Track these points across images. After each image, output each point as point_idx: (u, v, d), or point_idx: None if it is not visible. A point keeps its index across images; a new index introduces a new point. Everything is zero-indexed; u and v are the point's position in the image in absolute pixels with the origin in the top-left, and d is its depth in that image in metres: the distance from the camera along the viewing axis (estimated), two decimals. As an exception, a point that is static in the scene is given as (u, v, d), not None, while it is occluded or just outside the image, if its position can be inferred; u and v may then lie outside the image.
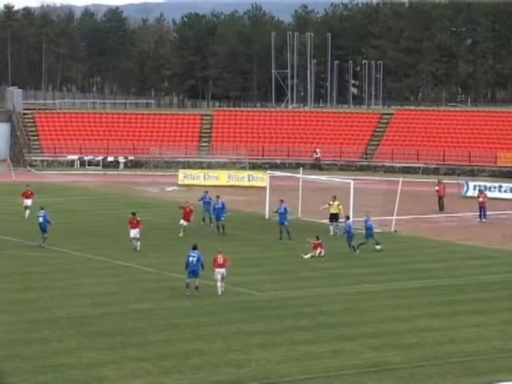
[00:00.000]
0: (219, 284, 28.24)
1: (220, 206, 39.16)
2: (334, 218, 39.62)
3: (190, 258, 28.11)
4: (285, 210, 38.74)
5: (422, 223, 45.02)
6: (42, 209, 36.80)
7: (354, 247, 35.66)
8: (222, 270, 28.23)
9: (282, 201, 39.32)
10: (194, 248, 28.35)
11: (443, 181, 51.90)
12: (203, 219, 40.62)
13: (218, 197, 39.86)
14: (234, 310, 26.88)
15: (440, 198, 48.99)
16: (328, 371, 21.34)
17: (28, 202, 42.71)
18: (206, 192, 41.96)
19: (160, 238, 38.84)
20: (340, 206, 39.61)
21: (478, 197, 46.84)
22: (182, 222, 38.32)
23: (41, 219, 36.04)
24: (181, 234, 38.00)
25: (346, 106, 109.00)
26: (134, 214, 35.29)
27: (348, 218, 36.59)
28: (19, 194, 44.62)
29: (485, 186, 54.78)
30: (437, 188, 49.32)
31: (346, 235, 35.84)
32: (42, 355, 22.03)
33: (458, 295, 29.45)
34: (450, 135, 71.88)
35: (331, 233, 39.24)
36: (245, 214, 46.30)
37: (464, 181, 57.72)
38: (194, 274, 28.03)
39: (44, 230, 35.97)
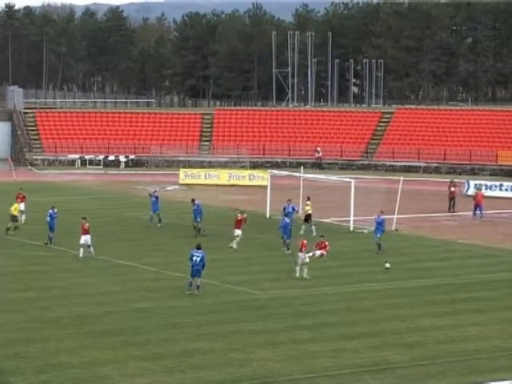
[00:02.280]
0: (297, 269, 30.18)
1: (195, 208, 38.93)
2: (308, 218, 39.64)
3: (194, 258, 28.11)
4: (293, 209, 38.83)
5: (422, 222, 45.00)
6: (53, 207, 36.78)
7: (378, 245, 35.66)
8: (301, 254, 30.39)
9: (289, 200, 39.40)
10: (198, 248, 28.33)
11: (455, 180, 51.87)
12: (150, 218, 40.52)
13: (193, 200, 39.61)
14: (235, 309, 26.87)
15: (452, 198, 48.76)
16: (329, 370, 21.36)
17: (21, 206, 40.98)
18: (155, 190, 42.19)
19: (160, 237, 38.85)
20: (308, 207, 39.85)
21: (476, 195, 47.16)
22: (237, 231, 36.17)
23: (48, 218, 36.06)
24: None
25: (347, 105, 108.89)
26: (84, 218, 33.94)
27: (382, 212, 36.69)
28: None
29: (485, 185, 54.81)
30: (453, 189, 48.94)
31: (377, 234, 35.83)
32: (43, 354, 22.05)
33: (458, 294, 29.43)
34: (451, 134, 71.86)
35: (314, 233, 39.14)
36: (246, 213, 46.15)
37: (465, 179, 57.68)
38: (196, 273, 28.03)
39: (50, 229, 35.96)
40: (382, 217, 36.49)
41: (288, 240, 35.31)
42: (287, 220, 36.30)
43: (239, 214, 36.59)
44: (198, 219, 38.61)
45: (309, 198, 40.49)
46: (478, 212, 46.49)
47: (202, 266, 28.01)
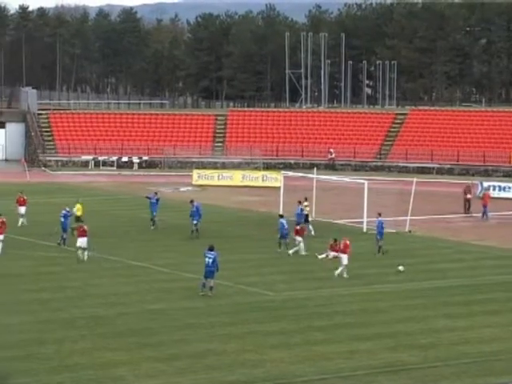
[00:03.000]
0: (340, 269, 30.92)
1: (194, 209, 38.71)
2: (306, 218, 39.78)
3: (206, 259, 28.07)
4: (301, 210, 38.81)
5: (436, 223, 44.82)
6: (66, 208, 36.77)
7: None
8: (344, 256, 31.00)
9: (300, 202, 39.47)
10: (211, 249, 28.27)
11: (473, 181, 51.66)
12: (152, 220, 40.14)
13: (192, 201, 39.43)
14: (249, 310, 26.80)
15: (467, 200, 48.54)
16: (343, 371, 21.31)
17: (22, 209, 40.55)
18: (156, 193, 41.70)
19: (174, 238, 38.83)
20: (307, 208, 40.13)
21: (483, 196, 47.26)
22: (299, 238, 35.44)
23: (62, 218, 36.00)
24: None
25: (360, 106, 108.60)
26: (81, 221, 33.39)
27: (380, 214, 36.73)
28: (33, 195, 44.60)
29: (499, 186, 54.54)
30: (469, 196, 48.46)
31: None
32: (56, 355, 22.02)
33: (473, 295, 29.31)
34: (465, 135, 71.57)
35: (312, 232, 39.15)
36: (259, 214, 46.25)
37: (478, 181, 57.40)
38: (209, 274, 27.99)
39: (62, 229, 35.93)
40: (381, 219, 36.33)
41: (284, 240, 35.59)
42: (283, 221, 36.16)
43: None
44: (195, 221, 38.24)
45: (306, 199, 40.58)
46: (487, 213, 46.30)
47: (214, 268, 27.95)
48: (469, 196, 48.72)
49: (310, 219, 39.83)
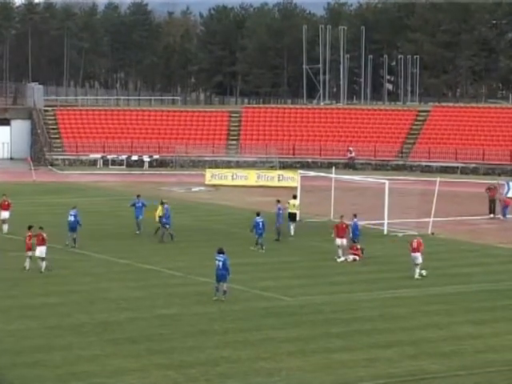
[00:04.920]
0: (417, 271, 31.17)
1: (165, 212, 37.44)
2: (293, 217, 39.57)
3: (217, 262, 27.74)
4: (279, 210, 38.14)
5: (460, 225, 44.19)
6: (74, 208, 36.27)
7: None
8: (417, 255, 31.18)
9: (279, 201, 38.88)
10: (220, 252, 27.83)
11: (499, 182, 50.94)
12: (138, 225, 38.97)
13: (162, 203, 38.00)
14: (264, 315, 26.38)
15: (491, 201, 47.68)
16: (362, 380, 20.95)
17: (5, 214, 38.36)
18: (138, 196, 39.89)
19: (186, 240, 38.22)
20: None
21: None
22: (338, 240, 33.93)
23: (72, 218, 35.44)
24: (341, 258, 34.01)
25: (381, 103, 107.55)
26: (41, 227, 31.25)
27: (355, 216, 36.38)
28: (39, 195, 43.94)
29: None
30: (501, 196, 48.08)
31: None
32: (64, 362, 21.69)
33: (498, 301, 28.79)
34: (490, 133, 70.53)
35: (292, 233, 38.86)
36: (274, 215, 45.36)
37: (505, 181, 56.35)
38: (221, 278, 27.59)
39: (73, 230, 35.37)
40: (356, 220, 35.73)
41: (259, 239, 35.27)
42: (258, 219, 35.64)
43: (342, 221, 34.63)
44: (166, 226, 36.89)
45: (295, 197, 40.59)
46: (507, 214, 45.68)
47: (226, 271, 27.52)
48: (496, 196, 47.91)
49: (297, 219, 39.44)
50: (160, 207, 37.82)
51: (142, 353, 22.44)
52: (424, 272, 31.87)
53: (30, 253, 31.35)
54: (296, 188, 44.04)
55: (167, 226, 37.12)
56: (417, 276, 31.28)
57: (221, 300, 27.48)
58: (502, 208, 46.56)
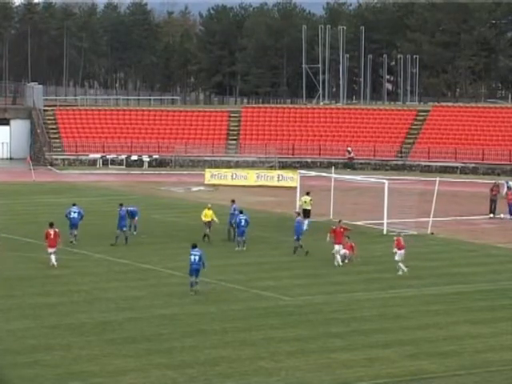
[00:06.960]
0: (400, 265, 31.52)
1: (122, 213, 36.52)
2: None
3: (192, 257, 28.12)
4: (234, 210, 37.76)
5: (460, 225, 44.09)
6: (74, 205, 36.15)
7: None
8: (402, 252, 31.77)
9: (233, 201, 38.63)
10: (194, 246, 28.41)
11: (498, 181, 50.86)
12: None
13: (121, 204, 37.23)
14: (263, 315, 26.35)
15: (493, 200, 47.60)
16: (362, 380, 20.95)
17: None
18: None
19: (186, 240, 37.97)
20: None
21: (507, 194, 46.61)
22: (337, 247, 33.05)
23: (75, 214, 35.42)
24: (340, 263, 33.20)
25: (380, 103, 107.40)
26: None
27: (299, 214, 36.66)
28: (39, 195, 43.82)
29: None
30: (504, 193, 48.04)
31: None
32: (63, 362, 21.67)
33: (497, 301, 28.75)
34: (490, 133, 70.47)
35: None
36: (274, 215, 45.55)
37: (504, 181, 56.29)
38: (196, 271, 28.03)
39: (75, 226, 35.33)
40: (299, 218, 35.76)
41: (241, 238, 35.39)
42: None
43: (340, 225, 33.87)
44: (124, 228, 36.19)
45: (308, 193, 41.15)
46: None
47: (200, 265, 28.02)
48: (497, 195, 47.81)
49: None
50: (206, 211, 37.13)
51: (141, 352, 22.42)
52: (401, 270, 31.99)
53: (52, 249, 31.37)
54: (300, 187, 43.90)
55: (124, 229, 36.20)
56: (400, 273, 31.60)
57: (194, 292, 27.74)
58: (509, 207, 46.00)
